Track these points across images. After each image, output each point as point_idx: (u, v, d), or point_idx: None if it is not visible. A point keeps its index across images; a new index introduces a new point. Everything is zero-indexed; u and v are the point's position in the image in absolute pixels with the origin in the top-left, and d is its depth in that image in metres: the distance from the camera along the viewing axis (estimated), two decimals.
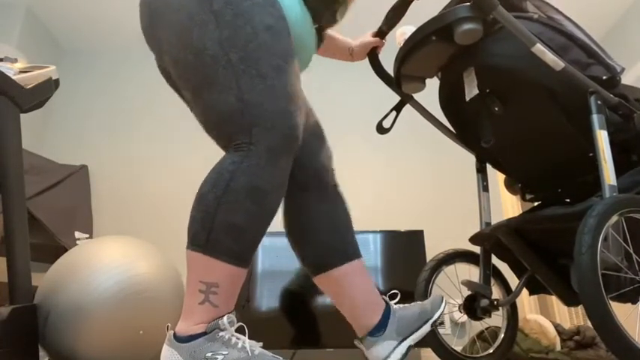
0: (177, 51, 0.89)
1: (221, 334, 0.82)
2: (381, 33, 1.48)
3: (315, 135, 1.14)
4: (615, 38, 3.24)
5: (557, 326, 2.32)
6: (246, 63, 0.84)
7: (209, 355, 0.80)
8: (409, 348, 1.04)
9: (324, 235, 1.09)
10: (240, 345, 0.82)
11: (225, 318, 0.83)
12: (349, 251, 1.11)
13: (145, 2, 0.98)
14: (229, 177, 0.83)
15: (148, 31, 1.00)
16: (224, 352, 0.80)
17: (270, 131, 0.85)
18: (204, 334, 0.82)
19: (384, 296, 1.13)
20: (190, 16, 0.86)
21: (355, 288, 1.10)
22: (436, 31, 1.24)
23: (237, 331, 0.85)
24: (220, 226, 0.82)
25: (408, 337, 1.05)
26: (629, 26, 3.13)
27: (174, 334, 0.83)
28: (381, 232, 2.70)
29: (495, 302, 1.54)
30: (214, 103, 0.86)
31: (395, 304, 1.12)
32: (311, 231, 1.09)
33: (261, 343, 0.86)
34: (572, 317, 3.29)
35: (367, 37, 1.51)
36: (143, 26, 1.02)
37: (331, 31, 1.42)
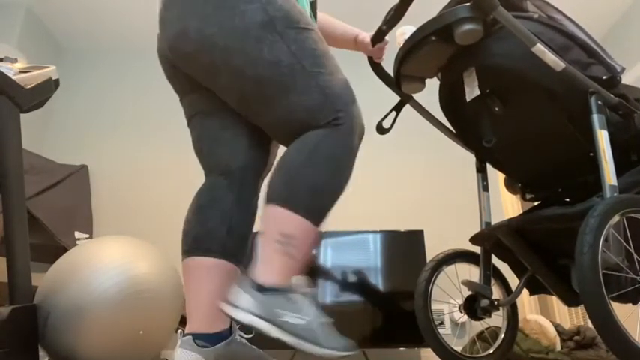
0: (246, 70, 0.98)
1: (292, 295, 0.88)
2: (381, 32, 1.48)
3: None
4: (615, 38, 3.24)
5: (557, 326, 2.32)
6: (318, 67, 1.00)
7: (279, 311, 0.85)
8: None
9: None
10: (305, 310, 0.87)
11: (299, 280, 0.90)
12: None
13: (194, 29, 0.99)
14: (313, 146, 0.95)
15: (191, 59, 1.04)
16: (293, 314, 0.86)
17: (351, 116, 1.00)
18: (281, 289, 0.87)
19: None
20: (259, 39, 0.97)
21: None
22: (436, 31, 1.24)
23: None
24: (302, 185, 0.92)
25: None
26: (629, 26, 3.13)
27: (251, 281, 0.87)
28: (381, 232, 2.70)
29: (496, 302, 1.55)
30: (300, 102, 0.98)
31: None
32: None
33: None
34: (572, 317, 3.29)
35: (370, 47, 1.52)
36: (184, 52, 1.03)
37: (333, 18, 1.49)
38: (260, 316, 0.83)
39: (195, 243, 1.05)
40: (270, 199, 0.93)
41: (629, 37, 3.12)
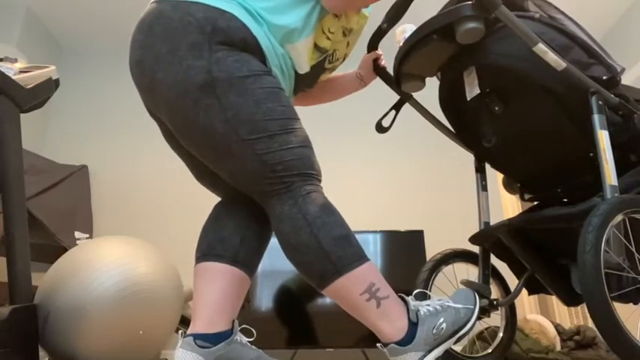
0: (186, 130, 0.97)
1: (422, 311, 0.93)
2: (381, 31, 1.48)
3: None
4: (615, 38, 3.24)
5: (557, 326, 2.32)
6: (256, 133, 0.94)
7: (435, 331, 0.91)
8: None
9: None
10: (438, 306, 0.95)
11: (408, 298, 0.96)
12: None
13: (149, 65, 0.97)
14: (302, 215, 0.94)
15: (147, 92, 1.01)
16: (441, 319, 0.93)
17: (299, 176, 0.97)
18: (414, 324, 0.92)
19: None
20: (196, 102, 0.93)
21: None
22: (437, 29, 1.24)
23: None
24: (332, 247, 0.92)
25: None
26: (629, 26, 3.13)
27: (390, 343, 0.91)
28: (381, 232, 2.70)
29: (495, 302, 1.55)
30: (240, 169, 0.96)
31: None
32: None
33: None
34: (572, 317, 3.29)
35: (364, 57, 1.50)
36: (143, 84, 1.01)
37: (330, 76, 1.42)
38: (430, 351, 0.90)
39: (208, 249, 1.07)
40: (323, 283, 0.93)
41: (628, 38, 3.12)
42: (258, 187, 0.97)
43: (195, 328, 1.00)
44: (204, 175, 1.16)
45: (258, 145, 0.94)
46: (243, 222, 1.11)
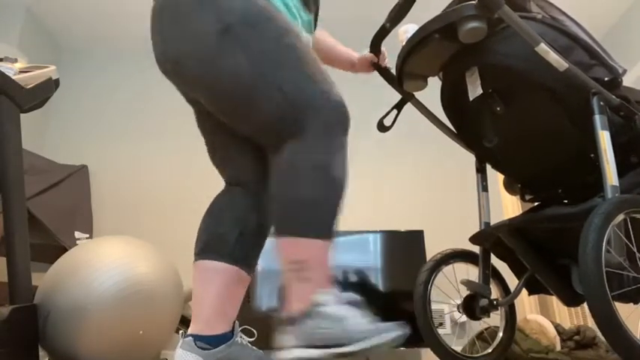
0: (217, 90, 0.96)
1: (319, 309, 0.85)
2: (384, 30, 1.48)
3: None
4: (615, 38, 3.24)
5: (557, 326, 2.32)
6: (278, 69, 0.92)
7: (312, 331, 0.84)
8: None
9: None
10: (336, 314, 0.85)
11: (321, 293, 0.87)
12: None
13: (170, 48, 0.99)
14: (291, 164, 0.90)
15: (174, 75, 1.03)
16: (324, 326, 0.84)
17: (320, 111, 0.91)
18: (308, 312, 0.85)
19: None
20: (218, 53, 0.92)
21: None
22: (440, 29, 1.24)
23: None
24: (297, 207, 0.89)
25: None
26: (629, 26, 3.13)
27: (287, 315, 0.88)
28: (381, 232, 2.70)
29: (495, 302, 1.55)
30: (267, 110, 0.92)
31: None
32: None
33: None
34: (572, 317, 3.28)
35: (365, 56, 1.51)
36: (168, 69, 1.02)
37: (332, 40, 1.44)
38: (301, 346, 0.83)
39: (206, 246, 1.06)
40: (275, 234, 0.92)
41: (629, 38, 3.12)
42: (284, 127, 0.92)
43: (196, 328, 1.00)
44: (217, 150, 1.15)
45: (283, 80, 0.92)
46: (242, 214, 1.09)
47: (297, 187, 0.89)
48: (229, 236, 1.06)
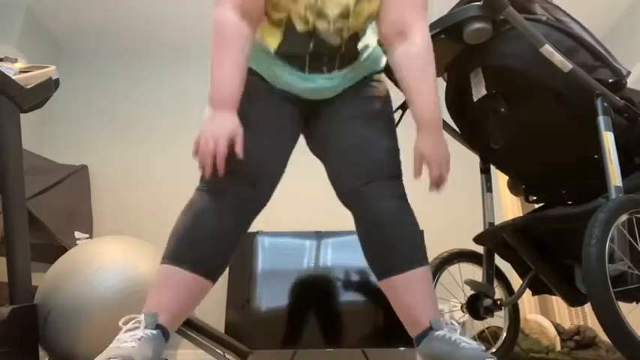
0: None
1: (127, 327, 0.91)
2: None
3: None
4: (616, 38, 3.24)
5: (557, 326, 2.32)
6: None
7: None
8: None
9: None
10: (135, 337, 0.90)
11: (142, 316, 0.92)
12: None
13: None
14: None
15: None
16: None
17: None
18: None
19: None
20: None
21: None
22: (445, 29, 1.24)
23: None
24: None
25: None
26: (629, 26, 3.13)
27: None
28: None
29: (498, 302, 1.54)
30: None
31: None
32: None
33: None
34: (572, 317, 3.28)
35: None
36: None
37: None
38: None
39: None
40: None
41: (629, 38, 3.12)
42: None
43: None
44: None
45: None
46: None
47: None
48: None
